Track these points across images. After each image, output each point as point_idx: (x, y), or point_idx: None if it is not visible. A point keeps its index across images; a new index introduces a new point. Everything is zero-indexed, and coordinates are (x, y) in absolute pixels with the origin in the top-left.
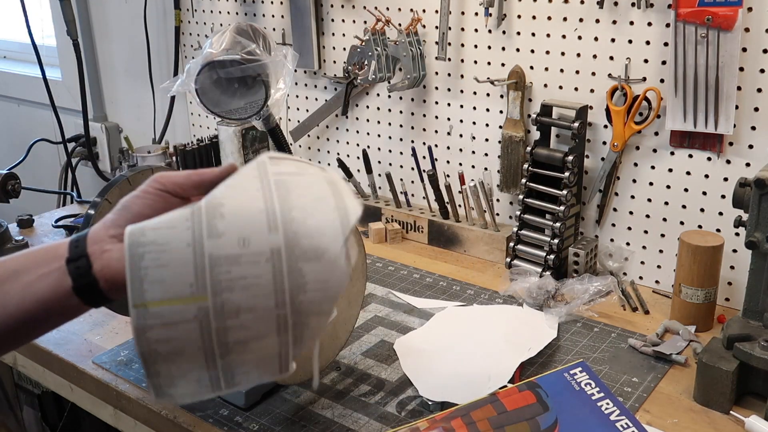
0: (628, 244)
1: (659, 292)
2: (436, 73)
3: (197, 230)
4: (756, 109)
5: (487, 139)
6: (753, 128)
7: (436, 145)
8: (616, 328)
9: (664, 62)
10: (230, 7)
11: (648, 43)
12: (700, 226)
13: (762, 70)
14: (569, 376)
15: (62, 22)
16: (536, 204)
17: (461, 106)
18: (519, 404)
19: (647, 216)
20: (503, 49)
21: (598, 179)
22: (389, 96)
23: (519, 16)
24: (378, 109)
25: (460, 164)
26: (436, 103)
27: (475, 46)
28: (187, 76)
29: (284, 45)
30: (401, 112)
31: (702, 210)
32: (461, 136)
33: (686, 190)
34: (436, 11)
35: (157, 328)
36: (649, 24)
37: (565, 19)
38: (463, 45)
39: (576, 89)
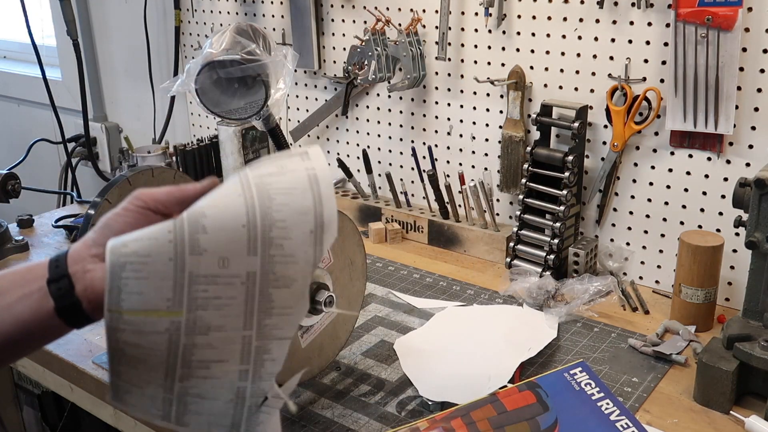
0: (628, 244)
1: (659, 292)
2: (436, 73)
3: (179, 244)
4: (756, 109)
5: (487, 139)
6: (753, 128)
7: (436, 145)
8: (616, 328)
9: (664, 62)
10: (230, 7)
11: (648, 43)
12: (700, 226)
13: (762, 70)
14: (569, 376)
15: (62, 22)
16: (536, 204)
17: (461, 106)
18: (519, 404)
19: (647, 216)
20: (503, 49)
21: (598, 179)
22: (389, 96)
23: (519, 16)
24: (378, 109)
25: (460, 164)
26: (436, 103)
27: (475, 46)
28: (187, 76)
29: (284, 45)
30: (401, 112)
31: (702, 210)
32: (461, 136)
33: (686, 190)
34: (436, 11)
35: (128, 332)
36: (649, 24)
37: (565, 19)
38: (463, 45)
39: (576, 89)
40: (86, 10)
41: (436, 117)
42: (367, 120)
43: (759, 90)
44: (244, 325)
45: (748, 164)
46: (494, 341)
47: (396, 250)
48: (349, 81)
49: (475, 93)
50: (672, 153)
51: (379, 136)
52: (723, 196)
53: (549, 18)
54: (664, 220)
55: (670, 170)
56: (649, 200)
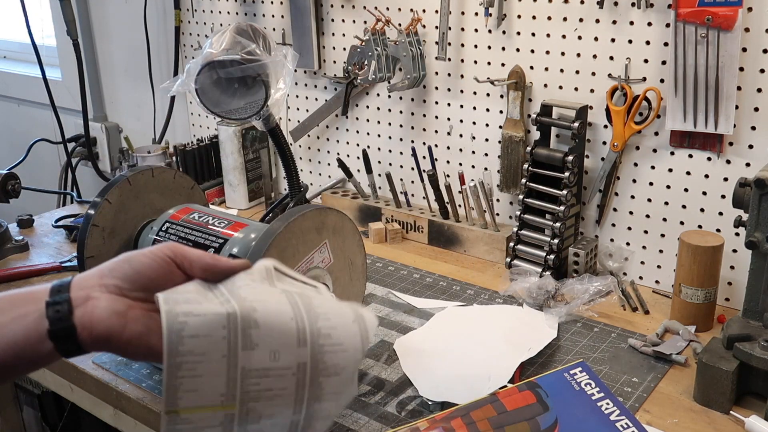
0: (628, 244)
1: (659, 292)
2: (436, 73)
3: (233, 340)
4: (756, 109)
5: (487, 139)
6: (753, 128)
7: (436, 145)
8: (616, 328)
9: (664, 62)
10: (230, 7)
11: (648, 43)
12: (700, 226)
13: (762, 70)
14: (569, 376)
15: (62, 22)
16: (536, 204)
17: (461, 106)
18: (519, 404)
19: (647, 216)
20: (503, 49)
21: (598, 179)
22: (389, 96)
23: (519, 16)
24: (378, 109)
25: (460, 164)
26: (436, 103)
27: (475, 46)
28: (187, 76)
29: (284, 45)
30: (401, 112)
31: (702, 210)
32: (461, 136)
33: (686, 190)
34: (436, 11)
35: (183, 428)
36: (649, 24)
37: (565, 19)
38: (463, 45)
39: (576, 89)
40: (86, 10)
41: (436, 117)
42: (367, 120)
43: (759, 90)
44: (294, 412)
45: (748, 164)
46: (494, 341)
47: (396, 250)
48: (349, 81)
49: (475, 93)
50: (672, 153)
51: (379, 136)
52: (723, 196)
53: (549, 18)
54: (664, 220)
55: (670, 170)
56: (649, 200)
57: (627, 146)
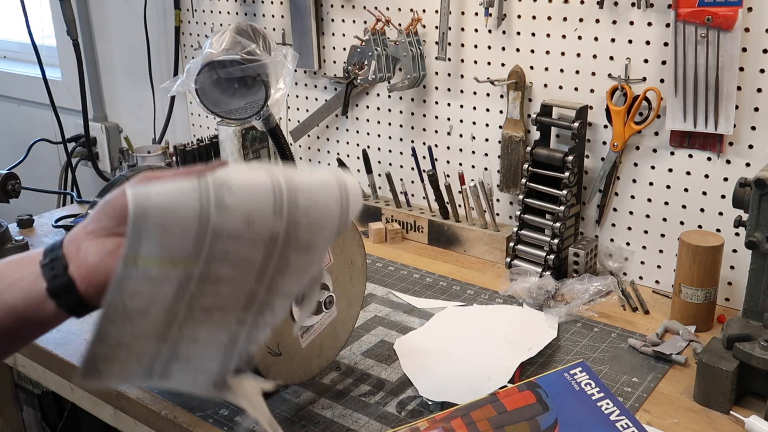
0: (628, 244)
1: (659, 292)
2: (436, 73)
3: (204, 200)
4: (756, 109)
5: (487, 139)
6: (753, 128)
7: (436, 145)
8: (616, 328)
9: (664, 62)
10: (230, 7)
11: (648, 43)
12: (700, 226)
13: (762, 70)
14: (569, 376)
15: (62, 22)
16: (536, 204)
17: (461, 106)
18: (519, 404)
19: (647, 216)
20: (503, 49)
21: (598, 179)
22: (389, 96)
23: (519, 16)
24: (378, 109)
25: (460, 164)
26: (436, 103)
27: (475, 46)
28: (187, 76)
29: (284, 45)
30: (401, 112)
31: (702, 210)
32: (461, 136)
33: (686, 190)
34: (436, 11)
35: (137, 281)
36: (649, 24)
37: (565, 19)
38: (463, 45)
39: (576, 89)
40: (86, 10)
41: (436, 117)
42: (367, 120)
43: (759, 90)
44: (255, 280)
45: (748, 164)
46: (494, 341)
47: (396, 250)
48: (349, 81)
49: (475, 93)
50: (672, 153)
51: (379, 136)
52: (723, 196)
53: (549, 18)
54: (664, 220)
55: (670, 170)
56: (649, 200)
57: (627, 146)
